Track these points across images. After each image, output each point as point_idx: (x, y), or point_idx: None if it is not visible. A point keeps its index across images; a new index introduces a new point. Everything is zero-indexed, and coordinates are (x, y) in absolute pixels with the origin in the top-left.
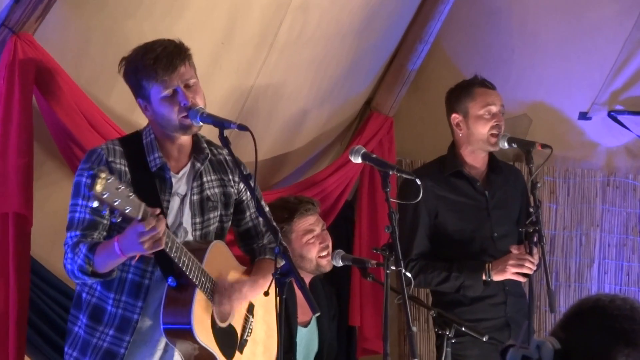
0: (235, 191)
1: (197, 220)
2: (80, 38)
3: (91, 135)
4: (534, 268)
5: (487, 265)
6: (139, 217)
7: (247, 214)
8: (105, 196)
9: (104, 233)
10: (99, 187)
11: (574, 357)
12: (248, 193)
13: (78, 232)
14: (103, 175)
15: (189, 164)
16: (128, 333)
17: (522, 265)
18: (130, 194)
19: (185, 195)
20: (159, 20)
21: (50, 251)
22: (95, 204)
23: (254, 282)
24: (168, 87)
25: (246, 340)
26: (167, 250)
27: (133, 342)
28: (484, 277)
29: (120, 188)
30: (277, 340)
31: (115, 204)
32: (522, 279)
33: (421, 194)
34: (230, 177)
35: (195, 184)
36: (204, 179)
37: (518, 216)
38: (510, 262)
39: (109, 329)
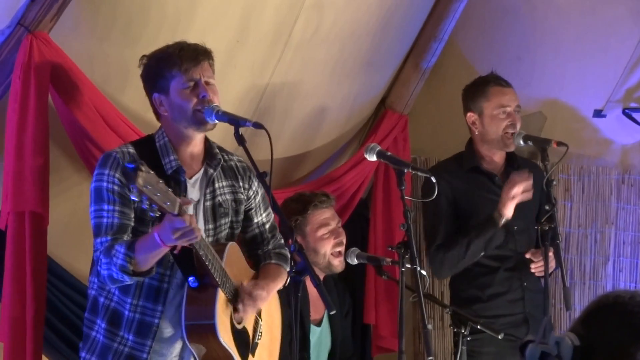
0: (245, 197)
1: (210, 226)
2: (95, 36)
3: (107, 133)
4: (529, 188)
5: (494, 213)
6: (175, 212)
7: (255, 220)
8: (147, 189)
9: (131, 235)
10: (140, 180)
11: (593, 354)
12: (257, 200)
13: (109, 237)
14: (144, 168)
15: (201, 170)
16: (149, 338)
17: (512, 188)
18: (168, 188)
19: (198, 202)
20: (173, 18)
21: (65, 249)
22: (136, 197)
23: (271, 287)
24: (190, 78)
25: (257, 344)
26: (197, 247)
27: (152, 348)
28: (499, 221)
29: (160, 182)
30: (291, 339)
31: (156, 197)
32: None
33: (438, 188)
34: (241, 183)
35: (208, 190)
36: (216, 185)
37: (537, 211)
38: (505, 192)
39: (128, 333)
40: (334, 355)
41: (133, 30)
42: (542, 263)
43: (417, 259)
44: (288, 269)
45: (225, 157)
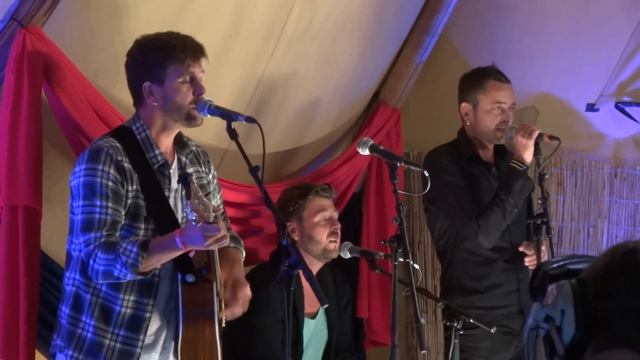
0: (206, 182)
1: (183, 214)
2: (88, 31)
3: (99, 127)
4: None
5: (512, 165)
6: (211, 220)
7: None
8: (195, 202)
9: (120, 232)
10: (193, 194)
11: (597, 332)
12: (214, 183)
13: (103, 233)
14: (192, 181)
15: (175, 159)
16: (141, 332)
17: (525, 130)
18: (205, 197)
19: (176, 191)
20: (166, 11)
21: (59, 244)
22: (187, 210)
23: (243, 274)
24: (189, 73)
25: (222, 328)
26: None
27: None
28: (521, 170)
29: (200, 193)
30: (284, 333)
31: (201, 208)
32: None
33: (447, 168)
34: (203, 168)
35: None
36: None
37: (530, 205)
38: (520, 137)
39: (119, 329)
40: (330, 347)
41: (126, 24)
42: (535, 257)
43: (409, 253)
44: (243, 252)
45: (189, 144)
